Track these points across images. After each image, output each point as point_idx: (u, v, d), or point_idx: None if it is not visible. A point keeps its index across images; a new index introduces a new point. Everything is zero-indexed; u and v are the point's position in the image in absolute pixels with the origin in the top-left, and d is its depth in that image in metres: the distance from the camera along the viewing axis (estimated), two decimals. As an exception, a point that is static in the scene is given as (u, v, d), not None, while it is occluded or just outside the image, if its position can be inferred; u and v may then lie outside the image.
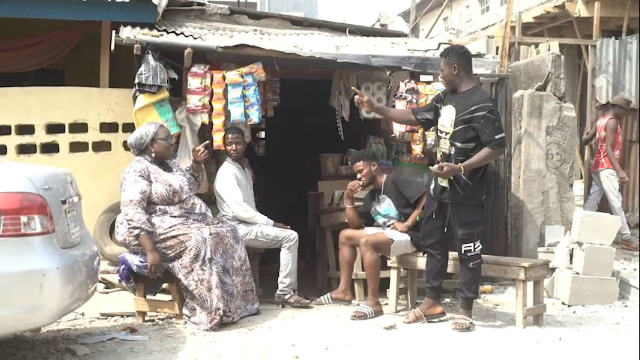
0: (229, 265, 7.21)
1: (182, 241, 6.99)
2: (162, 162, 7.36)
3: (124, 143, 8.63)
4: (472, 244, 6.93)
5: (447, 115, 6.96)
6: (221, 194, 8.22)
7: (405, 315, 7.35)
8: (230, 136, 8.39)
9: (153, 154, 7.27)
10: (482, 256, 7.09)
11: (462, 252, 6.96)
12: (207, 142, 7.83)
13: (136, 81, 8.01)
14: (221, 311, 6.94)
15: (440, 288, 7.36)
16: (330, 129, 10.15)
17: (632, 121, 12.41)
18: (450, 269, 7.55)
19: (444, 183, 6.92)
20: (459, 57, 7.05)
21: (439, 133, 7.05)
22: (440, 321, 7.19)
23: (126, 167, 7.25)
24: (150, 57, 8.06)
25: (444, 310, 7.32)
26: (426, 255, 7.36)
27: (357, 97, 7.51)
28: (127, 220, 6.94)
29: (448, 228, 7.07)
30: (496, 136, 6.86)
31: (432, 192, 7.11)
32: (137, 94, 8.05)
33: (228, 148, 8.38)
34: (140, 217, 6.92)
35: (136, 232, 6.91)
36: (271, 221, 8.30)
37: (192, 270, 6.96)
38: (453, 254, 7.44)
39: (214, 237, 7.06)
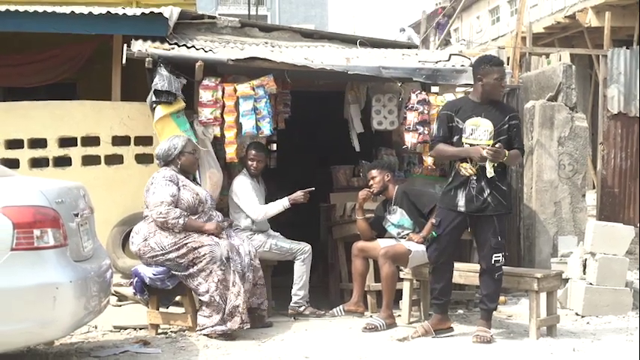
0: (245, 263, 7.30)
1: (195, 247, 7.01)
2: (187, 175, 7.43)
3: (137, 156, 8.67)
4: (501, 254, 6.88)
5: (481, 128, 6.85)
6: (238, 201, 8.23)
7: (414, 331, 7.18)
8: (254, 152, 8.39)
9: (179, 167, 7.33)
10: (496, 266, 7.05)
11: (492, 262, 6.86)
12: None
13: (152, 91, 8.01)
14: (240, 309, 7.00)
15: (449, 303, 7.27)
16: (342, 141, 10.15)
17: (644, 131, 12.38)
18: (461, 280, 7.52)
19: (491, 170, 6.73)
20: None
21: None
22: (449, 336, 7.10)
23: (153, 174, 7.30)
24: (162, 69, 8.08)
25: (451, 326, 7.21)
26: (435, 271, 7.12)
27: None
28: (164, 220, 6.97)
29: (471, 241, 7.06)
30: (523, 145, 7.06)
31: (462, 208, 6.88)
32: (154, 105, 8.06)
33: (249, 163, 8.39)
34: (175, 210, 7.00)
35: (181, 221, 6.98)
36: (285, 200, 8.28)
37: (211, 272, 6.98)
38: (466, 266, 7.44)
39: (226, 241, 7.16)
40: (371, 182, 8.16)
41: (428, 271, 7.29)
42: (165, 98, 8.02)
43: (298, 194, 8.32)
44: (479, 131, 6.85)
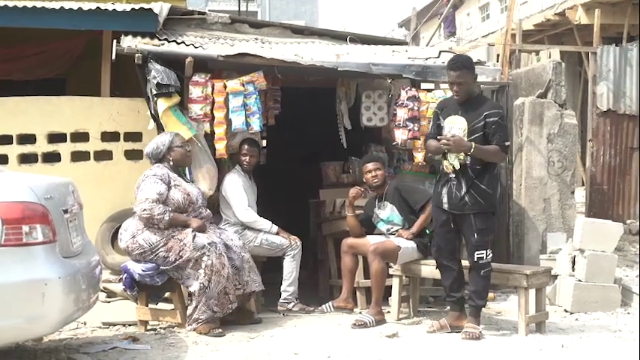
0: (229, 241, 7.37)
1: (180, 239, 7.04)
2: (180, 173, 7.44)
3: (126, 152, 8.65)
4: (485, 252, 6.89)
5: (456, 126, 6.88)
6: (228, 198, 8.24)
7: (429, 325, 7.25)
8: (247, 147, 8.43)
9: (171, 162, 7.34)
10: (485, 263, 7.06)
11: (475, 259, 6.90)
12: None
13: (155, 84, 7.97)
14: (230, 297, 7.12)
15: (463, 299, 7.21)
16: (332, 137, 10.15)
17: (633, 127, 12.41)
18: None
19: (455, 163, 6.81)
20: (474, 67, 7.08)
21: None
22: (438, 333, 7.10)
23: (145, 171, 7.31)
24: (155, 64, 8.06)
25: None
26: (439, 268, 7.22)
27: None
28: (148, 216, 6.97)
29: (460, 237, 7.07)
30: (505, 142, 6.94)
31: (445, 205, 6.97)
32: (155, 98, 8.03)
33: (242, 158, 8.42)
34: (159, 206, 7.00)
35: (166, 217, 6.99)
36: (275, 227, 8.31)
37: (197, 260, 7.00)
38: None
39: (213, 235, 7.22)
40: (374, 173, 8.09)
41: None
42: (166, 90, 8.01)
43: (286, 234, 8.40)
44: (455, 129, 6.90)
